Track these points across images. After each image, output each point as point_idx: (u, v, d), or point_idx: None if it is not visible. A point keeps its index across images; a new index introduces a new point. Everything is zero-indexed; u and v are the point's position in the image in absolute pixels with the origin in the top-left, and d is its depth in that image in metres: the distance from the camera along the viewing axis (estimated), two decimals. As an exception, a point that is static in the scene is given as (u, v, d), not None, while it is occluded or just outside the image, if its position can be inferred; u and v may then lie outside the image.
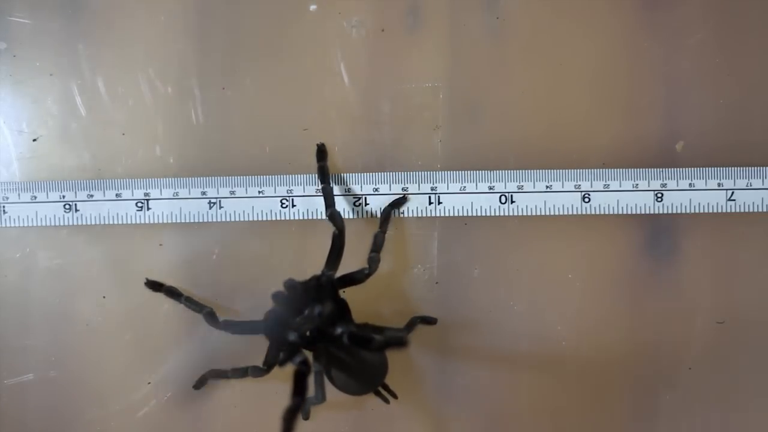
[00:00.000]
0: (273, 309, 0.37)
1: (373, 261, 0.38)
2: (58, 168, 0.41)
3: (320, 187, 0.39)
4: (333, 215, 0.38)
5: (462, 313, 0.41)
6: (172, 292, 0.39)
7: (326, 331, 0.36)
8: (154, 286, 0.40)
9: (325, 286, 0.37)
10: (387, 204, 0.40)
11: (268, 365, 0.37)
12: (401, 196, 0.41)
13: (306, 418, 0.39)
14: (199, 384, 0.40)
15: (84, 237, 0.41)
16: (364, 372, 0.38)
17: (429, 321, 0.40)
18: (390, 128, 0.41)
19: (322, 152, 0.40)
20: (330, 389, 0.38)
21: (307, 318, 0.36)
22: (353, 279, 0.38)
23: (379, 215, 0.40)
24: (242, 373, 0.38)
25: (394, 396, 0.39)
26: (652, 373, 0.41)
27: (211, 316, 0.38)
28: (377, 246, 0.38)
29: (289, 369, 0.38)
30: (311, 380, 0.37)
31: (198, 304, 0.38)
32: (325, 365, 0.37)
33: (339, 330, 0.36)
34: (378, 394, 0.39)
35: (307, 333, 0.37)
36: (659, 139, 0.41)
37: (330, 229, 0.38)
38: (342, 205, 0.40)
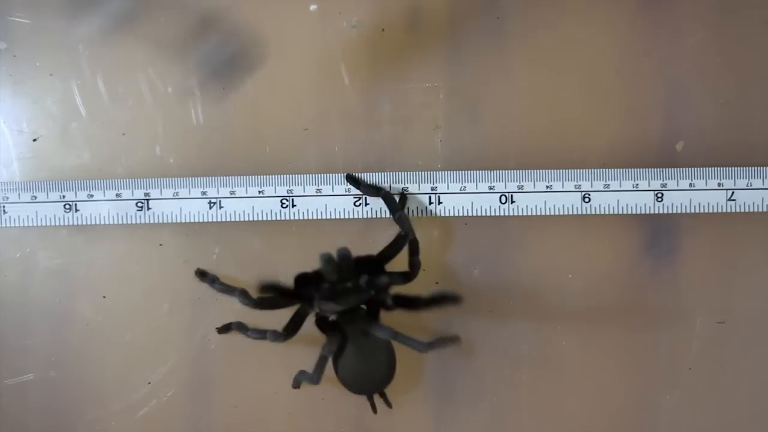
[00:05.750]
0: (303, 273, 0.37)
1: (415, 265, 0.38)
2: (58, 168, 0.41)
3: (382, 194, 0.39)
4: (401, 218, 0.38)
5: (462, 313, 0.41)
6: (205, 275, 0.40)
7: (371, 298, 0.37)
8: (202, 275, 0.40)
9: (374, 266, 0.37)
10: (394, 209, 0.39)
11: (288, 332, 0.38)
12: (401, 195, 0.40)
13: (296, 386, 0.39)
14: (224, 329, 0.40)
15: (84, 237, 0.41)
16: (371, 372, 0.38)
17: (453, 298, 0.38)
18: (390, 128, 0.41)
19: (372, 187, 0.40)
20: (330, 388, 0.38)
21: (351, 289, 0.37)
22: (395, 279, 0.38)
23: (379, 215, 0.40)
24: (262, 334, 0.38)
25: (389, 406, 0.39)
26: (652, 373, 0.41)
27: (244, 295, 0.38)
28: (414, 250, 0.38)
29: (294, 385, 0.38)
30: (311, 357, 0.37)
31: (229, 286, 0.39)
32: (335, 355, 0.37)
33: (383, 296, 0.37)
34: (382, 395, 0.39)
35: (338, 310, 0.37)
36: (659, 139, 0.41)
37: (330, 229, 0.38)
38: (342, 205, 0.40)
